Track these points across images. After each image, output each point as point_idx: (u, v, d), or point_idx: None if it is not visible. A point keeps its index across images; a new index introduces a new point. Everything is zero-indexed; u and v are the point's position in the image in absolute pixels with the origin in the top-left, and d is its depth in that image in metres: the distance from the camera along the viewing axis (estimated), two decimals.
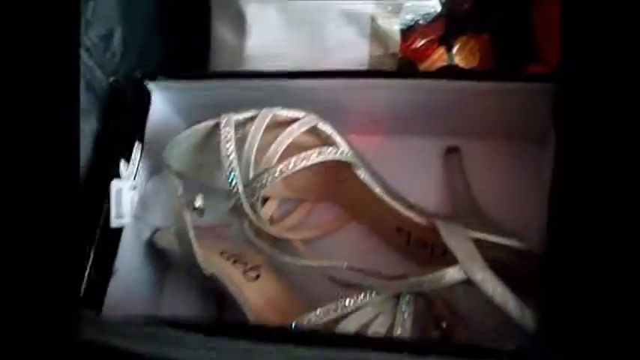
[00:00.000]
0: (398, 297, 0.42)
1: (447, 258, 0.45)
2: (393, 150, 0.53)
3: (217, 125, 0.46)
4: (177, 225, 0.46)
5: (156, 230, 0.52)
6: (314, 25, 0.51)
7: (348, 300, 0.42)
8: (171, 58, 0.58)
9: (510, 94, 0.46)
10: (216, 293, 0.49)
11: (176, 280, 0.53)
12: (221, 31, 0.55)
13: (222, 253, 0.49)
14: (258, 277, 0.48)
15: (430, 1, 0.52)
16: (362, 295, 0.42)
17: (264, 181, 0.44)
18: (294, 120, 0.46)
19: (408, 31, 0.52)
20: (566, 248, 0.39)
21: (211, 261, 0.47)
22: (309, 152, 0.44)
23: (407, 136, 0.53)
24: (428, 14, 0.52)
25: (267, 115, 0.45)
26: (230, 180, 0.44)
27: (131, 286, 0.48)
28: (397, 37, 0.52)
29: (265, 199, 0.53)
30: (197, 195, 0.45)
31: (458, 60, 0.54)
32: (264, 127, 0.45)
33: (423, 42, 0.53)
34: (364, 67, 0.53)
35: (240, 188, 0.44)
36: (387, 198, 0.47)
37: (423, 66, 0.54)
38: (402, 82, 0.48)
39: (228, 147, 0.44)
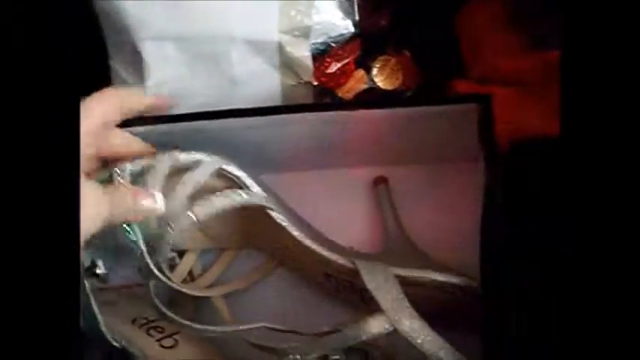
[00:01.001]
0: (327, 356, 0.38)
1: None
2: (317, 185, 0.49)
3: (111, 179, 0.41)
4: None
5: None
6: (217, 58, 0.47)
7: None
8: None
9: (436, 117, 0.43)
10: None
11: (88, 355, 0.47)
12: (120, 73, 0.50)
13: (134, 321, 0.44)
14: (175, 344, 0.43)
15: (342, 22, 0.48)
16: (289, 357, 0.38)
17: (167, 238, 0.39)
18: (195, 164, 0.41)
19: (321, 56, 0.48)
20: (501, 280, 0.36)
21: (121, 331, 0.42)
22: (212, 197, 0.40)
23: (330, 169, 0.49)
24: (341, 35, 0.48)
25: (165, 163, 0.41)
26: (130, 240, 0.40)
27: None
28: (309, 63, 0.47)
29: (183, 252, 0.48)
30: (97, 260, 0.40)
31: (379, 81, 0.50)
32: (163, 176, 0.40)
33: (338, 66, 0.49)
34: (277, 98, 0.48)
35: (143, 248, 0.40)
36: (308, 242, 0.42)
37: (342, 91, 0.50)
38: (318, 115, 0.44)
39: None
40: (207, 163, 0.42)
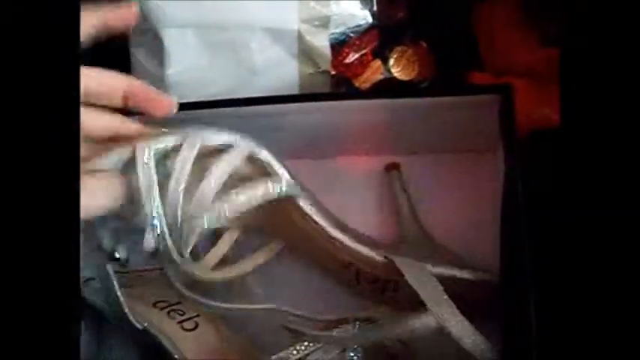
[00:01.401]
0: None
1: (400, 295, 0.42)
2: (332, 173, 0.49)
3: (134, 158, 0.39)
4: (101, 278, 0.41)
5: (86, 280, 0.47)
6: (237, 46, 0.47)
7: (297, 347, 0.39)
8: None
9: (456, 107, 0.43)
10: (154, 349, 0.44)
11: (112, 338, 0.48)
12: (140, 59, 0.50)
13: (156, 304, 0.45)
14: (196, 327, 0.43)
15: (360, 12, 0.49)
16: (309, 344, 0.39)
17: (198, 229, 0.39)
18: (227, 147, 0.41)
19: (339, 46, 0.49)
20: (521, 269, 0.37)
21: (143, 313, 0.43)
22: (255, 192, 0.40)
23: (345, 157, 0.50)
24: (359, 26, 0.49)
25: (194, 144, 0.40)
26: (154, 224, 0.40)
27: None
28: (327, 52, 0.48)
29: None
30: (118, 245, 0.41)
31: (396, 72, 0.51)
32: (193, 158, 0.39)
33: (356, 56, 0.49)
34: (295, 87, 0.49)
35: (166, 231, 0.39)
36: (333, 231, 0.43)
37: (359, 81, 0.50)
38: (335, 103, 0.44)
39: (149, 184, 0.39)
40: (238, 149, 0.41)
